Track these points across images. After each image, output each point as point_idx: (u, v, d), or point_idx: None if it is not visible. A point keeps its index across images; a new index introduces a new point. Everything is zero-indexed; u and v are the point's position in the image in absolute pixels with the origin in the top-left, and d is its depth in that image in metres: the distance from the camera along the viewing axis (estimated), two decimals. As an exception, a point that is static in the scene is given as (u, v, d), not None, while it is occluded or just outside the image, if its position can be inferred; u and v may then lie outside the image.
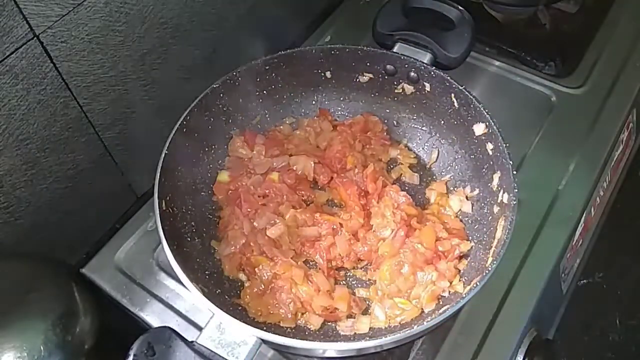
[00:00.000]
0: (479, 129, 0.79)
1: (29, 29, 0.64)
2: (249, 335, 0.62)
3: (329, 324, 0.75)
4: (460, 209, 0.82)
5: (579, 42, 1.09)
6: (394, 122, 0.92)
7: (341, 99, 0.93)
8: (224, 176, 0.85)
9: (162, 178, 0.73)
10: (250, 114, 0.89)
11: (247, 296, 0.75)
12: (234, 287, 0.77)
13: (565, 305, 1.03)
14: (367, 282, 0.79)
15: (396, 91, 0.89)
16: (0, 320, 0.66)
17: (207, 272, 0.76)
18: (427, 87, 0.85)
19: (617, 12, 1.13)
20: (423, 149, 0.91)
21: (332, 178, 0.86)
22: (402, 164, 0.90)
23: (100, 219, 0.89)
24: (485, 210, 0.78)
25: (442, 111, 0.85)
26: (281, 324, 0.73)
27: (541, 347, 0.81)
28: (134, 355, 0.58)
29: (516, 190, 0.70)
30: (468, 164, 0.84)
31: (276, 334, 0.62)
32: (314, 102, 0.93)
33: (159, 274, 0.85)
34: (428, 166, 0.89)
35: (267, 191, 0.83)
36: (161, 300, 0.83)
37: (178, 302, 0.82)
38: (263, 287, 0.75)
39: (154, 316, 0.81)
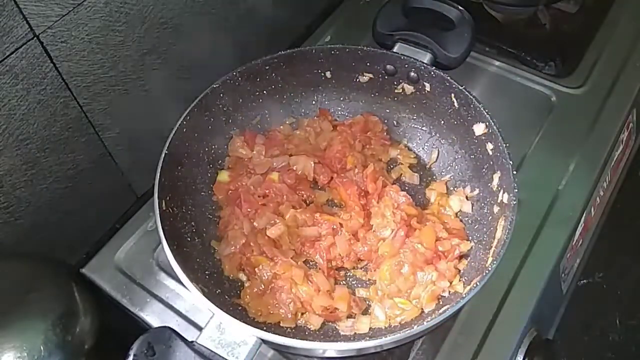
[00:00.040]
0: (479, 129, 0.79)
1: (29, 29, 0.64)
2: (249, 335, 0.62)
3: (329, 324, 0.75)
4: (460, 209, 0.82)
5: (579, 42, 1.09)
6: (394, 122, 0.92)
7: (341, 99, 0.93)
8: (224, 176, 0.85)
9: (162, 178, 0.73)
10: (250, 114, 0.89)
11: (247, 296, 0.75)
12: (234, 287, 0.77)
13: (565, 305, 1.03)
14: (367, 282, 0.79)
15: (396, 91, 0.89)
16: (0, 320, 0.66)
17: (207, 272, 0.76)
18: (427, 87, 0.85)
19: (617, 12, 1.13)
20: (423, 149, 0.91)
21: (332, 178, 0.86)
22: (402, 164, 0.90)
23: (100, 219, 0.89)
24: (485, 210, 0.78)
25: (442, 111, 0.85)
26: (281, 324, 0.73)
27: (541, 347, 0.81)
28: (134, 355, 0.58)
29: (516, 190, 0.70)
30: (468, 164, 0.84)
31: (276, 334, 0.62)
32: (314, 102, 0.93)
33: (159, 274, 0.85)
34: (428, 166, 0.89)
35: (267, 191, 0.83)
36: (161, 300, 0.83)
37: (178, 302, 0.82)
38: (263, 287, 0.75)
39: (154, 316, 0.81)
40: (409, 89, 0.87)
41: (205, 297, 0.64)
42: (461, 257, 0.76)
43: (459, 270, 0.75)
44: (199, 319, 0.81)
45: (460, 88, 0.79)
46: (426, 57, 0.84)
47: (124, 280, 0.84)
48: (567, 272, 0.95)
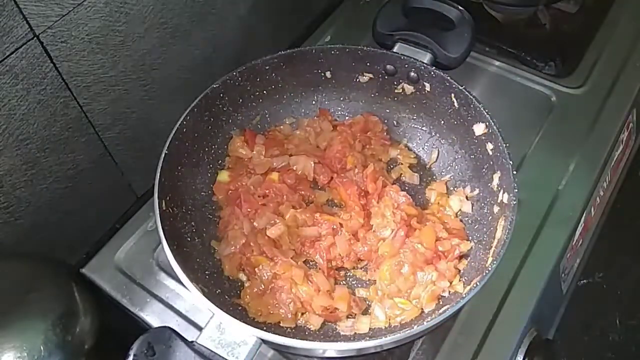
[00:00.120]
0: (479, 129, 0.79)
1: (29, 29, 0.64)
2: (249, 335, 0.62)
3: (329, 324, 0.75)
4: (460, 209, 0.82)
5: (579, 42, 1.09)
6: (394, 122, 0.92)
7: (341, 99, 0.93)
8: (224, 176, 0.85)
9: (162, 178, 0.73)
10: (250, 114, 0.89)
11: (247, 296, 0.75)
12: (234, 287, 0.77)
13: (565, 305, 1.03)
14: (367, 282, 0.79)
15: (396, 91, 0.89)
16: (0, 320, 0.66)
17: (207, 272, 0.76)
18: (427, 87, 0.85)
19: (617, 12, 1.13)
20: (423, 149, 0.91)
21: (332, 178, 0.86)
22: (402, 164, 0.90)
23: (100, 219, 0.89)
24: (485, 210, 0.78)
25: (442, 111, 0.85)
26: (281, 324, 0.73)
27: (541, 347, 0.81)
28: (134, 355, 0.58)
29: (516, 190, 0.70)
30: (468, 164, 0.84)
31: (276, 334, 0.62)
32: (314, 102, 0.93)
33: (159, 274, 0.85)
34: (428, 166, 0.89)
35: (267, 191, 0.83)
36: (161, 300, 0.83)
37: (178, 302, 0.82)
38: (263, 287, 0.75)
39: (154, 316, 0.81)
40: (409, 89, 0.87)
41: (205, 297, 0.64)
42: (461, 257, 0.76)
43: (459, 270, 0.75)
44: (199, 319, 0.81)
45: (460, 88, 0.79)
46: (426, 57, 0.84)
47: (124, 280, 0.84)
48: (567, 272, 0.95)
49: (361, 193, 0.84)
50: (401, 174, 0.88)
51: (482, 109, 0.77)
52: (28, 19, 0.63)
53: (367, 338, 0.70)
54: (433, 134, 0.89)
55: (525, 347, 0.79)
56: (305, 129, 0.91)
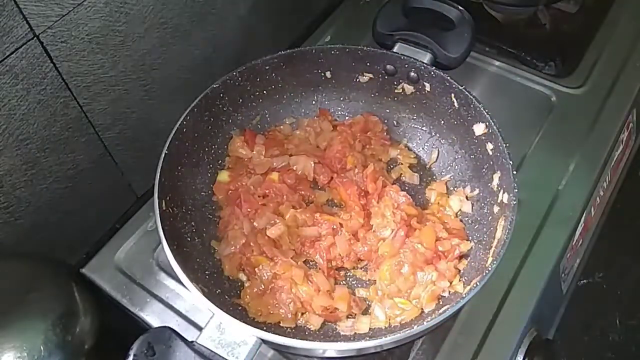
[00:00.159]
0: (479, 129, 0.79)
1: (29, 29, 0.64)
2: (249, 335, 0.62)
3: (329, 324, 0.75)
4: (460, 209, 0.82)
5: (579, 42, 1.09)
6: (394, 122, 0.92)
7: (341, 99, 0.93)
8: (224, 176, 0.85)
9: (162, 178, 0.73)
10: (250, 114, 0.89)
11: (247, 296, 0.75)
12: (234, 287, 0.77)
13: (565, 305, 1.03)
14: (367, 282, 0.79)
15: (396, 91, 0.89)
16: (0, 320, 0.66)
17: (207, 272, 0.76)
18: (427, 87, 0.85)
19: (617, 12, 1.13)
20: (423, 149, 0.91)
21: (332, 178, 0.86)
22: (402, 164, 0.90)
23: (100, 219, 0.89)
24: (485, 210, 0.78)
25: (442, 111, 0.85)
26: (281, 324, 0.73)
27: (541, 347, 0.81)
28: (134, 355, 0.58)
29: (516, 190, 0.70)
30: (468, 164, 0.84)
31: (276, 334, 0.62)
32: (314, 102, 0.93)
33: (159, 274, 0.85)
34: (428, 166, 0.89)
35: (267, 191, 0.83)
36: (161, 300, 0.83)
37: (178, 302, 0.82)
38: (263, 287, 0.75)
39: (154, 316, 0.81)
40: (409, 89, 0.87)
41: (205, 297, 0.64)
42: (461, 257, 0.76)
43: (459, 270, 0.75)
44: (199, 319, 0.81)
45: (460, 88, 0.79)
46: (426, 57, 0.84)
47: (124, 280, 0.84)
48: (567, 272, 0.95)
49: (361, 193, 0.83)
50: (401, 174, 0.88)
51: (482, 109, 0.77)
52: (28, 19, 0.63)
53: (367, 338, 0.70)
54: (433, 134, 0.89)
55: (525, 347, 0.79)
56: (305, 129, 0.91)
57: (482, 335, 0.77)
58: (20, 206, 0.74)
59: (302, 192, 0.84)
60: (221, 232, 0.81)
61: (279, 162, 0.86)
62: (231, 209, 0.81)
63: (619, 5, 1.14)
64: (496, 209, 0.75)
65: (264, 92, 0.88)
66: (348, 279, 0.80)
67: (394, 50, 0.86)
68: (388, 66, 0.86)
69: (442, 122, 0.87)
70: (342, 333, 0.73)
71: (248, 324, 0.62)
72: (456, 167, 0.86)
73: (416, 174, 0.88)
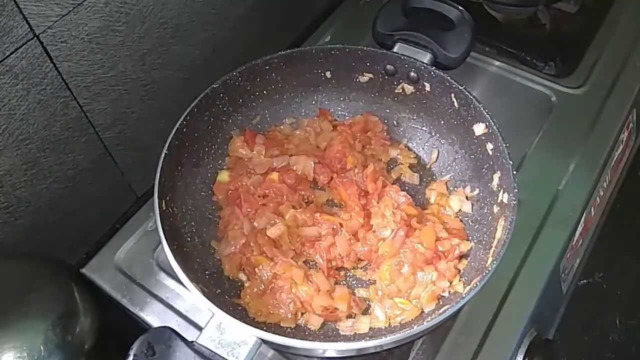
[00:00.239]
0: (479, 129, 0.79)
1: (29, 29, 0.64)
2: (249, 335, 0.62)
3: (329, 324, 0.75)
4: (460, 209, 0.82)
5: (579, 42, 1.09)
6: (394, 122, 0.92)
7: (341, 99, 0.93)
8: (224, 176, 0.85)
9: (162, 178, 0.73)
10: (250, 114, 0.89)
11: (247, 296, 0.75)
12: (234, 287, 0.77)
13: (565, 305, 1.03)
14: (367, 282, 0.79)
15: (396, 91, 0.89)
16: (0, 320, 0.66)
17: (207, 272, 0.76)
18: (427, 87, 0.85)
19: (617, 12, 1.13)
20: (423, 149, 0.91)
21: (332, 178, 0.86)
22: (402, 164, 0.90)
23: (100, 219, 0.89)
24: (485, 210, 0.78)
25: (442, 111, 0.85)
26: (281, 324, 0.73)
27: (541, 347, 0.81)
28: (134, 355, 0.58)
29: (516, 190, 0.70)
30: (468, 164, 0.84)
31: (276, 334, 0.62)
32: (314, 102, 0.93)
33: (159, 274, 0.85)
34: (428, 166, 0.89)
35: (267, 191, 0.83)
36: (161, 300, 0.83)
37: (178, 302, 0.82)
38: (263, 287, 0.75)
39: (154, 316, 0.81)
40: (409, 89, 0.87)
41: (205, 297, 0.64)
42: (461, 257, 0.76)
43: (459, 270, 0.75)
44: (199, 319, 0.81)
45: (460, 88, 0.79)
46: (426, 57, 0.84)
47: (124, 280, 0.84)
48: (567, 272, 0.95)
49: (361, 193, 0.83)
50: (401, 174, 0.88)
51: (482, 109, 0.77)
52: (28, 19, 0.63)
53: (367, 338, 0.70)
54: (433, 134, 0.89)
55: (525, 347, 0.79)
56: (305, 129, 0.91)
57: (482, 335, 0.77)
58: (20, 206, 0.74)
59: (302, 192, 0.84)
60: (221, 232, 0.81)
61: (279, 162, 0.86)
62: (231, 209, 0.81)
63: (619, 5, 1.14)
64: (496, 209, 0.75)
65: (264, 92, 0.88)
66: (348, 279, 0.80)
67: (394, 50, 0.86)
68: (388, 66, 0.86)
69: (442, 122, 0.87)
70: (342, 333, 0.73)
71: (248, 324, 0.62)
72: (456, 167, 0.86)
73: (416, 174, 0.88)
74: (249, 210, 0.81)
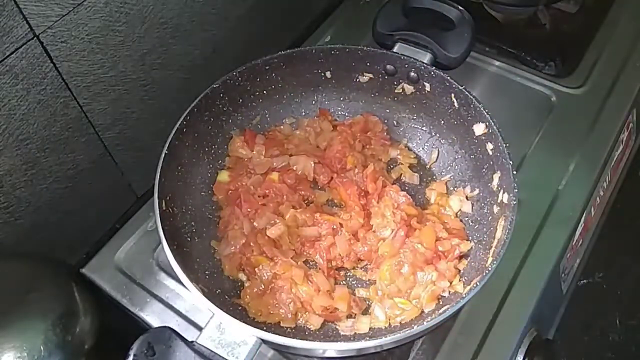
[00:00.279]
0: (479, 129, 0.79)
1: (29, 29, 0.64)
2: (249, 335, 0.62)
3: (329, 324, 0.75)
4: (460, 209, 0.82)
5: (579, 42, 1.09)
6: (394, 122, 0.92)
7: (341, 99, 0.93)
8: (224, 176, 0.85)
9: (162, 178, 0.73)
10: (250, 114, 0.89)
11: (247, 296, 0.75)
12: (234, 287, 0.77)
13: (565, 305, 1.03)
14: (367, 282, 0.79)
15: (396, 91, 0.89)
16: (0, 320, 0.66)
17: (207, 272, 0.76)
18: (427, 87, 0.85)
19: (617, 12, 1.13)
20: (423, 149, 0.91)
21: (332, 178, 0.86)
22: (402, 164, 0.90)
23: (100, 219, 0.89)
24: (485, 210, 0.78)
25: (442, 111, 0.85)
26: (281, 324, 0.73)
27: (541, 347, 0.81)
28: (134, 355, 0.58)
29: (516, 190, 0.70)
30: (468, 164, 0.84)
31: (276, 334, 0.62)
32: (314, 102, 0.93)
33: (159, 274, 0.85)
34: (428, 166, 0.89)
35: (267, 191, 0.83)
36: (161, 300, 0.83)
37: (178, 302, 0.82)
38: (263, 287, 0.75)
39: (154, 316, 0.81)
40: (409, 89, 0.87)
41: (205, 297, 0.64)
42: (461, 257, 0.76)
43: (459, 270, 0.75)
44: (199, 319, 0.81)
45: (460, 88, 0.79)
46: (426, 57, 0.84)
47: (124, 280, 0.84)
48: (567, 272, 0.95)
49: (361, 193, 0.83)
50: (401, 174, 0.88)
51: (482, 109, 0.77)
52: (28, 19, 0.63)
53: (367, 338, 0.70)
54: (433, 134, 0.89)
55: (525, 347, 0.79)
56: (305, 129, 0.91)
57: (482, 335, 0.77)
58: (20, 206, 0.74)
59: (302, 192, 0.84)
60: (221, 232, 0.81)
61: (279, 162, 0.86)
62: (231, 209, 0.81)
63: (619, 5, 1.14)
64: (496, 209, 0.75)
65: (264, 92, 0.88)
66: (348, 279, 0.80)
67: (394, 50, 0.86)
68: (388, 66, 0.86)
69: (442, 122, 0.87)
70: (342, 333, 0.73)
71: (248, 324, 0.62)
72: (456, 167, 0.86)
73: (416, 174, 0.88)
74: (249, 210, 0.81)
